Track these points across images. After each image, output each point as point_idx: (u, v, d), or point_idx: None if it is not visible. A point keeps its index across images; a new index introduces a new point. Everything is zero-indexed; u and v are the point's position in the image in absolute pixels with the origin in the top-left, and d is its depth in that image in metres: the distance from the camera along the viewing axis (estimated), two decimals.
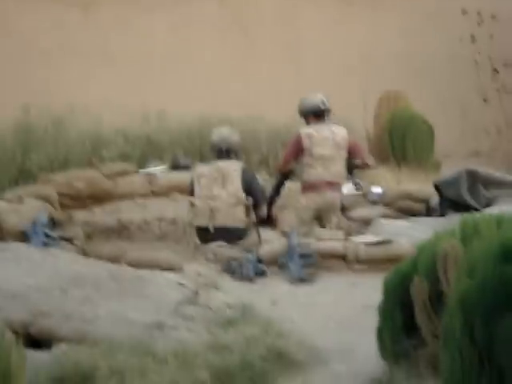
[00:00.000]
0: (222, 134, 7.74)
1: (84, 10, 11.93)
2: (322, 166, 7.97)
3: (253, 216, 7.60)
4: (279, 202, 8.19)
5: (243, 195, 7.48)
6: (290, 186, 8.29)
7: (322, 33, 11.98)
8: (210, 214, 7.48)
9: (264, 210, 7.68)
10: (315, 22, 12.00)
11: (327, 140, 8.03)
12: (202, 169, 7.69)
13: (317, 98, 8.23)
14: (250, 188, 7.52)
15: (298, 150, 8.02)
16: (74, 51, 11.79)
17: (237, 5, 12.11)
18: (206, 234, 7.43)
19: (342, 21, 12.07)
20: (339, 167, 8.05)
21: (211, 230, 7.40)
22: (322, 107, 8.17)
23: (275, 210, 8.06)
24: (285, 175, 8.18)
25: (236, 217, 7.45)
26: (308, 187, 7.96)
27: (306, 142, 7.98)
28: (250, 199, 7.51)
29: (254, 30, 11.98)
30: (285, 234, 7.21)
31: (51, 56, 11.73)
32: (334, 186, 8.00)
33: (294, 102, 8.41)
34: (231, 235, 7.34)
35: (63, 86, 11.41)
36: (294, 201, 8.05)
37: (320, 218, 7.96)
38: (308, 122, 8.18)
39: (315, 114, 8.16)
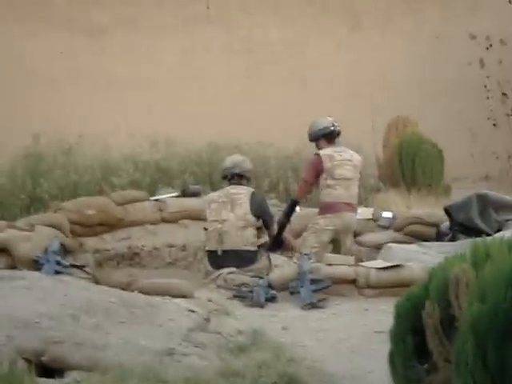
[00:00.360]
0: (235, 160, 7.81)
1: (91, 37, 12.01)
2: (343, 187, 7.99)
3: (263, 239, 7.61)
4: (296, 226, 8.19)
5: (252, 218, 7.51)
6: (306, 210, 8.30)
7: (329, 58, 12.03)
8: (218, 237, 7.51)
9: (274, 231, 7.73)
10: (323, 48, 12.06)
11: (348, 161, 8.06)
12: (213, 195, 7.77)
13: (327, 121, 8.25)
14: (259, 210, 7.56)
15: (318, 172, 8.03)
16: (82, 78, 11.87)
17: (245, 31, 12.18)
18: (216, 258, 7.45)
19: (349, 46, 12.12)
20: (356, 189, 8.09)
21: (219, 253, 7.44)
22: (333, 130, 8.19)
23: (287, 235, 8.05)
24: (296, 201, 8.19)
25: (245, 239, 7.48)
26: (327, 208, 7.96)
27: (326, 164, 7.99)
28: (261, 221, 7.55)
29: (262, 56, 12.05)
30: (306, 257, 7.20)
31: (59, 83, 11.81)
32: (352, 207, 8.03)
33: (303, 127, 8.43)
34: (241, 258, 7.36)
35: (72, 113, 11.48)
36: (312, 223, 8.04)
37: (335, 240, 7.96)
38: (319, 146, 8.18)
39: (326, 137, 8.17)
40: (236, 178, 7.74)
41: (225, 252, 7.45)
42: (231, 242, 7.47)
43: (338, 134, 8.25)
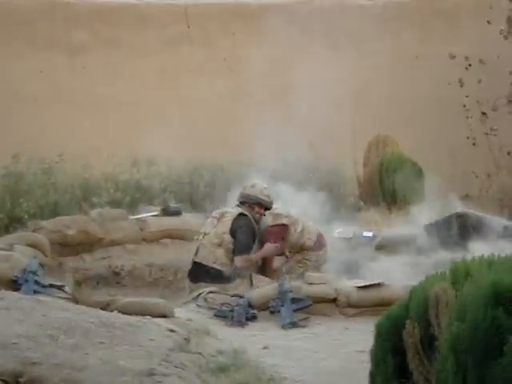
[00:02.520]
0: (247, 184, 7.89)
1: (72, 56, 12.00)
2: (307, 234, 8.00)
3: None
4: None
5: (228, 238, 7.54)
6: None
7: (310, 77, 12.06)
8: (196, 249, 7.60)
9: (237, 261, 7.62)
10: (303, 67, 12.09)
11: (305, 232, 8.04)
12: (215, 211, 7.82)
13: (266, 192, 7.97)
14: (233, 233, 7.60)
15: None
16: (63, 97, 11.85)
17: (226, 49, 12.20)
18: (191, 270, 7.54)
19: (329, 66, 12.16)
20: (311, 226, 8.10)
21: (192, 264, 7.51)
22: (271, 202, 8.02)
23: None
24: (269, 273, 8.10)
25: (215, 257, 7.52)
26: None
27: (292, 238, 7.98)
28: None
29: (244, 75, 12.07)
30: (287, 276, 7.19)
31: (40, 102, 11.78)
32: (322, 239, 8.05)
33: (285, 147, 8.46)
34: (208, 274, 7.40)
35: (52, 132, 11.45)
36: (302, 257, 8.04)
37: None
38: (257, 211, 7.88)
39: (261, 207, 7.97)
40: (243, 202, 7.85)
41: (196, 264, 7.53)
42: (203, 256, 7.55)
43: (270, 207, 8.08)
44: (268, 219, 7.88)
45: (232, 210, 7.81)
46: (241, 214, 7.69)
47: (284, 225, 7.93)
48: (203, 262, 7.51)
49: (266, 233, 7.85)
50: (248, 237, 7.72)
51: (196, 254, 7.62)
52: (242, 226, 7.68)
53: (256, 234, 7.78)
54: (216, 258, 7.51)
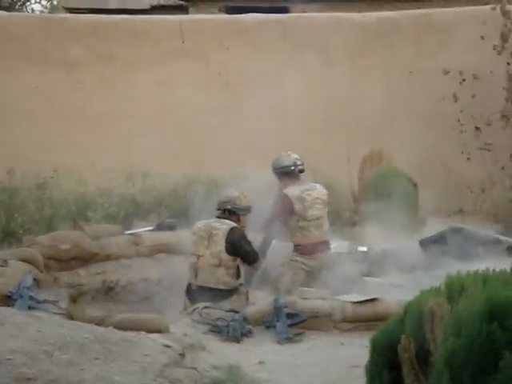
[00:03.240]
0: (230, 195, 7.80)
1: (66, 72, 12.01)
2: (315, 227, 8.00)
3: (240, 277, 7.59)
4: (275, 258, 8.17)
5: (226, 256, 7.48)
6: (282, 244, 8.29)
7: (305, 91, 12.09)
8: (193, 272, 7.52)
9: (257, 266, 7.69)
10: (298, 81, 12.12)
11: (317, 200, 8.08)
12: (196, 226, 7.74)
13: (288, 159, 8.22)
14: (234, 249, 7.51)
15: (286, 213, 8.02)
16: (57, 113, 11.85)
17: (221, 64, 12.22)
18: (192, 292, 7.46)
19: (323, 80, 12.19)
20: (327, 224, 8.12)
21: (194, 287, 7.44)
22: (294, 169, 8.16)
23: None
24: (270, 236, 8.17)
25: (217, 278, 7.46)
26: (303, 250, 7.97)
27: (298, 207, 7.99)
28: (238, 260, 7.53)
29: (239, 89, 12.08)
30: (277, 292, 7.21)
31: (34, 117, 11.78)
32: (326, 244, 8.06)
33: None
34: (213, 295, 7.35)
35: (47, 147, 11.44)
36: (290, 259, 8.04)
37: (310, 277, 7.97)
38: (282, 183, 8.18)
39: (288, 176, 8.15)
40: (226, 213, 7.75)
41: (199, 287, 7.46)
42: (204, 279, 7.48)
43: (301, 171, 8.25)
44: None
45: (217, 224, 7.70)
46: (231, 229, 7.63)
47: (285, 195, 8.05)
48: (206, 285, 7.47)
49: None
50: (250, 244, 7.71)
51: (196, 277, 7.55)
52: (237, 240, 7.61)
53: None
54: (218, 279, 7.48)
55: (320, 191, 8.20)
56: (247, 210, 7.86)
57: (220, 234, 7.55)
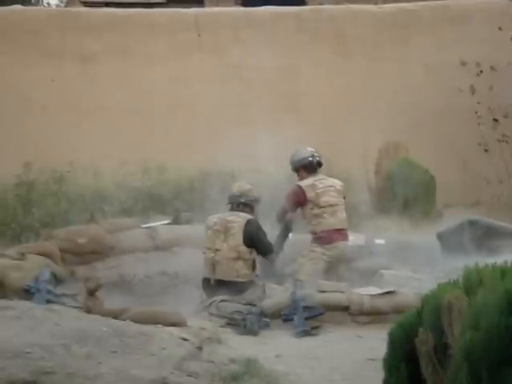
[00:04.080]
0: (241, 188, 7.82)
1: (81, 64, 12.02)
2: (330, 214, 8.00)
3: (257, 269, 7.60)
4: (293, 251, 8.19)
5: (245, 249, 7.48)
6: (299, 236, 8.30)
7: (320, 84, 12.06)
8: (211, 266, 7.51)
9: (271, 258, 7.70)
10: (314, 74, 12.10)
11: (330, 188, 8.09)
12: (211, 220, 7.74)
13: (306, 152, 8.28)
14: (252, 241, 7.52)
15: (299, 203, 8.04)
16: (73, 106, 11.86)
17: (236, 58, 12.20)
18: (209, 286, 7.46)
19: (340, 73, 12.16)
20: (344, 214, 8.11)
21: (212, 282, 7.43)
22: (312, 160, 8.21)
23: (280, 263, 8.03)
24: (287, 228, 8.17)
25: (236, 271, 7.45)
26: (320, 238, 7.96)
27: (310, 194, 8.01)
28: (255, 252, 7.53)
29: (254, 82, 12.06)
30: (299, 284, 7.20)
31: (50, 111, 11.79)
32: (344, 233, 8.04)
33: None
34: (232, 288, 7.34)
35: (63, 141, 11.46)
36: (308, 250, 8.03)
37: (329, 268, 7.96)
38: (300, 176, 8.23)
39: (306, 168, 8.20)
40: (241, 206, 7.78)
41: (217, 281, 7.45)
42: (223, 273, 7.47)
43: (319, 164, 8.29)
44: None
45: (232, 217, 7.71)
46: (247, 221, 7.63)
47: (298, 186, 8.07)
48: (225, 279, 7.47)
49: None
50: (266, 235, 7.73)
51: (213, 271, 7.55)
52: (255, 232, 7.62)
53: None
54: (237, 272, 7.48)
55: (334, 181, 8.24)
56: (259, 201, 7.91)
57: (236, 227, 7.55)
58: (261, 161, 10.22)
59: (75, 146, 11.28)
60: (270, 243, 7.77)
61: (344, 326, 6.66)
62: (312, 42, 12.24)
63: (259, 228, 7.69)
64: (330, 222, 8.00)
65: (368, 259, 8.27)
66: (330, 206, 8.03)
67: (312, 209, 8.02)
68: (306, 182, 8.12)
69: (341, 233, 8.04)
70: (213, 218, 7.75)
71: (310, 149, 8.34)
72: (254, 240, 7.55)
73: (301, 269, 7.92)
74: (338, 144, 11.38)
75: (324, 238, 7.94)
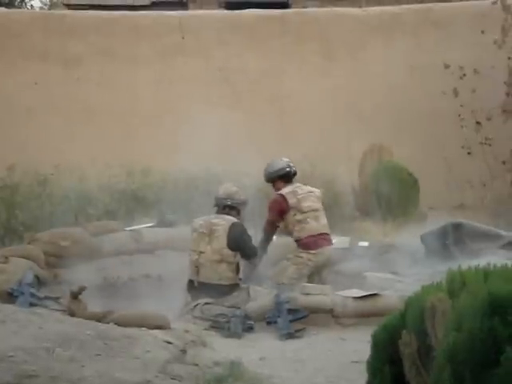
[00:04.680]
0: (227, 191, 7.78)
1: (65, 67, 12.00)
2: (313, 219, 8.01)
3: (240, 272, 7.58)
4: (275, 254, 8.18)
5: (228, 252, 7.46)
6: (283, 239, 8.30)
7: (305, 86, 12.09)
8: (195, 268, 7.50)
9: (255, 261, 7.68)
10: (299, 76, 12.13)
11: (311, 193, 8.10)
12: (196, 223, 7.71)
13: (282, 162, 8.27)
14: (236, 245, 7.50)
15: (282, 211, 8.03)
16: (58, 108, 11.84)
17: (221, 59, 12.21)
18: (193, 288, 7.45)
19: (324, 75, 12.19)
20: (325, 219, 8.11)
21: (196, 284, 7.43)
22: (289, 170, 8.20)
23: (263, 266, 8.01)
24: (271, 233, 8.18)
25: (219, 274, 7.43)
26: (306, 244, 7.95)
27: (291, 201, 8.00)
28: (239, 256, 7.51)
29: (239, 84, 12.07)
30: (282, 287, 7.20)
31: (35, 114, 11.77)
32: (328, 238, 8.05)
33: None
34: (215, 291, 7.32)
35: (47, 143, 11.44)
36: (293, 254, 8.02)
37: (314, 273, 7.96)
38: (276, 187, 8.19)
39: (283, 178, 8.18)
40: (227, 208, 7.75)
41: (201, 284, 7.44)
42: (206, 275, 7.46)
43: (294, 174, 8.28)
44: None
45: (217, 220, 7.69)
46: (232, 225, 7.61)
47: (280, 195, 8.03)
48: (207, 281, 7.45)
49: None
50: (250, 238, 7.72)
51: (197, 273, 7.53)
52: (239, 235, 7.58)
53: None
54: (220, 275, 7.45)
55: (312, 188, 8.25)
56: (246, 203, 7.87)
57: (221, 229, 7.53)
58: (245, 162, 10.22)
59: (59, 149, 11.26)
60: (255, 247, 7.75)
61: (328, 328, 6.67)
62: (296, 45, 12.27)
63: (244, 231, 7.66)
64: (314, 226, 8.00)
65: (351, 262, 8.28)
66: (313, 210, 8.04)
67: (295, 215, 8.01)
68: (286, 190, 8.11)
69: (325, 238, 8.04)
70: (199, 221, 7.73)
71: (285, 159, 8.34)
72: (239, 243, 7.53)
73: (284, 272, 7.92)
74: (323, 146, 11.40)
75: (310, 244, 7.94)
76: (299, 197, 8.04)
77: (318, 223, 8.04)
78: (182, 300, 7.51)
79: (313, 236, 7.96)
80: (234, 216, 7.68)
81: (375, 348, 4.04)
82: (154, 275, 8.51)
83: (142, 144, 11.52)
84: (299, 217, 8.00)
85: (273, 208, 8.12)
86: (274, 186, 8.29)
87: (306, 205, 8.01)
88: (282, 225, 8.10)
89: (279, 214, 8.07)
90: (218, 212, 7.75)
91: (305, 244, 7.96)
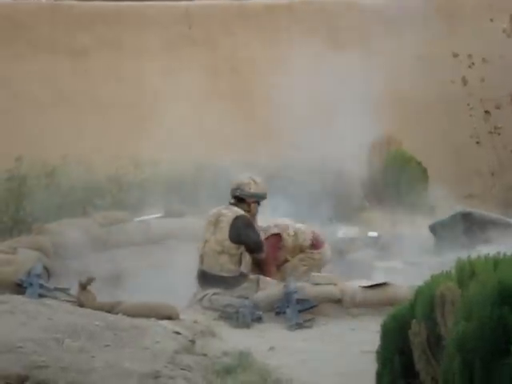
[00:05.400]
0: (239, 180, 7.67)
1: (73, 59, 11.99)
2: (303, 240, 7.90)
3: (242, 265, 7.47)
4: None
5: (230, 244, 7.38)
6: None
7: (312, 76, 12.04)
8: (200, 257, 7.49)
9: (260, 256, 7.56)
10: (305, 66, 12.08)
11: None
12: (211, 211, 7.63)
13: (261, 186, 7.79)
14: (237, 237, 7.39)
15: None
16: (65, 100, 11.84)
17: (228, 49, 12.19)
18: (199, 277, 7.45)
19: (332, 66, 12.13)
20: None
21: (200, 272, 7.41)
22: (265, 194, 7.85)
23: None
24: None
25: (220, 265, 7.38)
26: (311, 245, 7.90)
27: (287, 243, 7.87)
28: (242, 248, 7.42)
29: (246, 74, 12.05)
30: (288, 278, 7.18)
31: (42, 105, 11.77)
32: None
33: (287, 147, 8.44)
34: (217, 282, 7.29)
35: (55, 135, 11.43)
36: (304, 255, 7.98)
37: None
38: (251, 209, 7.68)
39: (258, 202, 7.83)
40: (236, 199, 7.63)
41: (204, 272, 7.42)
42: (208, 265, 7.42)
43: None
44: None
45: (225, 210, 7.56)
46: (236, 217, 7.55)
47: (275, 234, 7.79)
48: (210, 271, 7.41)
49: None
50: (255, 232, 7.59)
51: (202, 262, 7.51)
52: (242, 228, 7.43)
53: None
54: (221, 266, 7.39)
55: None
56: (257, 196, 7.68)
57: (225, 220, 7.45)
58: (253, 153, 10.21)
59: (67, 140, 11.26)
60: (259, 241, 7.57)
61: (337, 318, 6.66)
62: (304, 35, 12.22)
63: (248, 225, 7.51)
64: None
65: (361, 251, 8.27)
66: (308, 247, 7.89)
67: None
68: (285, 237, 7.90)
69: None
70: (213, 210, 7.65)
71: (260, 179, 7.86)
72: (240, 236, 7.41)
73: (294, 271, 7.87)
74: (331, 136, 11.37)
75: (314, 245, 7.89)
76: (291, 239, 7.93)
77: (305, 237, 7.89)
78: (190, 291, 7.50)
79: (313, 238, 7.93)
80: (243, 208, 7.57)
81: (385, 338, 4.04)
82: (163, 266, 8.51)
83: (150, 134, 11.50)
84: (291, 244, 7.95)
85: (275, 246, 7.93)
86: (245, 204, 7.75)
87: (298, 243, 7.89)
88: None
89: (277, 253, 7.92)
90: (231, 203, 7.64)
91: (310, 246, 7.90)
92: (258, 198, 7.68)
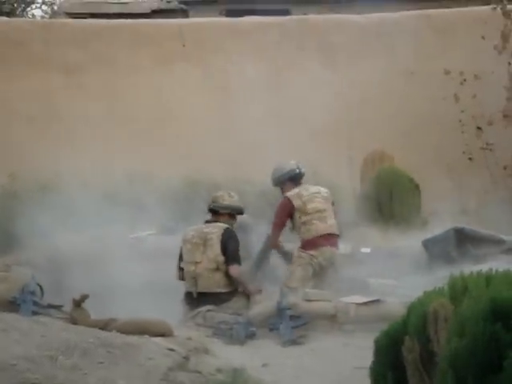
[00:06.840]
0: (214, 194, 7.80)
1: (66, 75, 12.02)
2: (318, 219, 8.02)
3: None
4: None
5: (223, 259, 7.45)
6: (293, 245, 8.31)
7: (305, 94, 12.09)
8: (192, 280, 7.49)
9: (233, 270, 7.55)
10: (298, 84, 12.12)
11: (317, 194, 8.12)
12: (188, 234, 7.70)
13: (291, 164, 8.30)
14: (223, 248, 7.49)
15: (289, 214, 8.06)
16: (58, 117, 11.86)
17: (221, 67, 12.23)
18: (192, 300, 7.44)
19: (324, 82, 12.19)
20: (333, 219, 8.12)
21: (195, 295, 7.41)
22: (299, 172, 8.24)
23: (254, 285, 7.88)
24: (275, 236, 8.18)
25: (217, 282, 7.43)
26: (308, 244, 7.98)
27: (297, 203, 8.03)
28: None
29: (239, 92, 12.08)
30: (291, 290, 7.20)
31: (36, 122, 11.79)
32: (333, 238, 8.05)
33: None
34: (214, 300, 7.32)
35: (48, 151, 11.43)
36: (296, 257, 8.04)
37: (319, 274, 7.98)
38: (285, 190, 8.21)
39: (293, 180, 8.21)
40: (212, 213, 7.74)
41: (200, 294, 7.44)
42: (204, 285, 7.45)
43: (303, 175, 8.32)
44: None
45: (209, 229, 7.64)
46: (224, 231, 7.60)
47: (285, 197, 8.08)
48: (207, 291, 7.44)
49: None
50: (237, 244, 7.64)
51: (196, 284, 7.51)
52: (228, 239, 7.57)
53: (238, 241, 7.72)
54: (218, 283, 7.45)
55: (319, 188, 8.28)
56: (230, 208, 7.81)
57: (215, 237, 7.53)
58: (245, 170, 10.23)
59: (60, 156, 11.26)
60: (238, 255, 7.62)
61: (330, 334, 6.66)
62: (297, 52, 12.28)
63: (231, 236, 7.62)
64: (320, 227, 8.02)
65: (354, 267, 8.27)
66: (318, 211, 8.05)
67: (300, 217, 8.04)
68: (291, 193, 8.14)
69: (328, 238, 8.05)
70: (190, 231, 7.72)
71: (292, 161, 8.38)
72: (226, 247, 7.52)
73: (291, 276, 7.93)
74: (324, 153, 11.40)
75: (310, 244, 7.97)
76: (304, 199, 8.07)
77: (325, 223, 8.05)
78: (180, 310, 7.50)
79: (315, 237, 7.99)
80: (224, 221, 7.67)
81: (378, 354, 4.05)
82: (157, 283, 8.50)
83: (144, 151, 11.53)
84: (304, 218, 8.03)
85: (277, 211, 8.16)
86: (282, 189, 8.30)
87: (310, 206, 8.03)
88: (290, 227, 8.15)
89: (284, 217, 8.11)
90: (208, 220, 7.75)
91: (305, 245, 8.00)
92: (232, 211, 7.78)
